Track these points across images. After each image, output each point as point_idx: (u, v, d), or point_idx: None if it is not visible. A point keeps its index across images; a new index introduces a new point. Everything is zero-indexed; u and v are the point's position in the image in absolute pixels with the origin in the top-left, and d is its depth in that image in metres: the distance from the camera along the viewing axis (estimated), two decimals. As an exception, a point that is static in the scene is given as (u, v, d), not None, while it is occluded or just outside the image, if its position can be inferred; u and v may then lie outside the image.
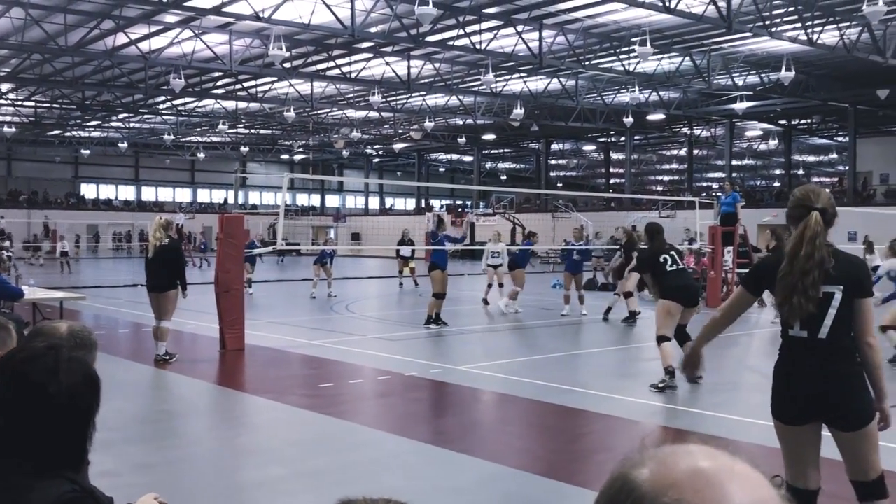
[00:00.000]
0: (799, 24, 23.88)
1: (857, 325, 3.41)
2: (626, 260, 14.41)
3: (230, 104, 39.71)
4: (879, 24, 23.52)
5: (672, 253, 8.46)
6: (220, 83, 35.35)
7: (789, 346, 3.46)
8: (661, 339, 8.15)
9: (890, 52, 25.44)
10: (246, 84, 35.30)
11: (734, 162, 48.85)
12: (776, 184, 59.23)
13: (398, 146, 54.35)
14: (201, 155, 55.34)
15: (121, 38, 26.08)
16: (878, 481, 3.44)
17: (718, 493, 0.73)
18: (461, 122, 44.91)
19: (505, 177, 69.70)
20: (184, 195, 63.58)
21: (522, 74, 32.65)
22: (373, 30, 24.37)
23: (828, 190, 3.75)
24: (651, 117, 39.64)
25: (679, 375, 7.51)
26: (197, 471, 5.78)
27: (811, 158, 57.52)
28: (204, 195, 64.43)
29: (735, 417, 6.95)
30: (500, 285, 16.72)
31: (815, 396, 3.36)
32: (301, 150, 56.95)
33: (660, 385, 8.05)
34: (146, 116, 44.50)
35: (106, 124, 47.64)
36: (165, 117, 44.04)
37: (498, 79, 31.43)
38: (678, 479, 0.75)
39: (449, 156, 65.09)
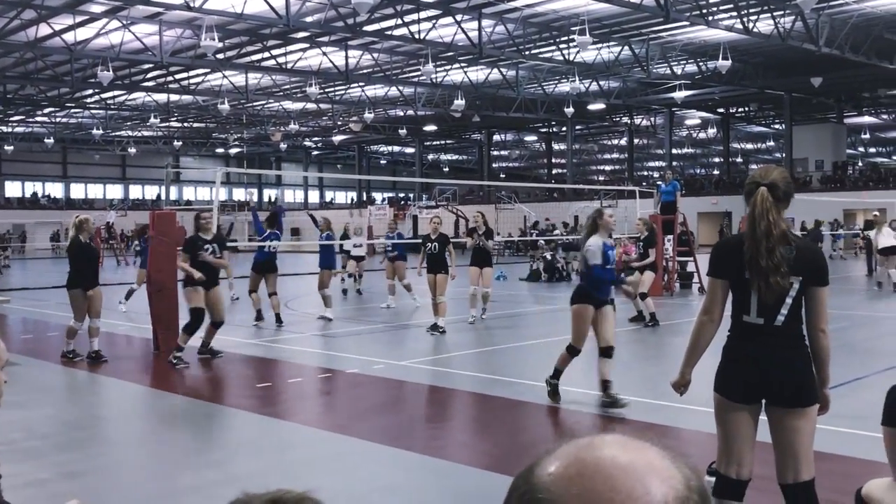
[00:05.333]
0: (735, 13, 24.09)
1: (812, 313, 3.39)
2: (644, 255, 12.87)
3: (161, 97, 38.56)
4: (812, 12, 23.86)
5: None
6: (150, 75, 34.25)
7: (743, 330, 3.42)
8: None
9: (823, 40, 25.84)
10: (178, 76, 34.29)
11: (674, 150, 49.48)
12: (716, 172, 60.29)
13: (337, 138, 53.61)
14: (132, 150, 53.79)
15: (44, 29, 24.98)
16: (810, 485, 3.36)
17: (606, 482, 0.71)
18: (402, 114, 44.47)
19: (447, 168, 69.48)
20: (115, 192, 61.81)
21: (463, 64, 32.35)
22: (308, 19, 23.78)
23: (781, 168, 3.67)
24: (591, 107, 39.79)
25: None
26: (128, 477, 5.56)
27: (749, 146, 58.68)
28: (136, 191, 62.75)
29: (678, 405, 6.80)
30: (360, 276, 16.43)
31: (764, 375, 3.36)
32: (236, 143, 55.81)
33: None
34: (73, 110, 43.02)
35: (30, 119, 45.90)
36: (94, 111, 42.61)
37: (438, 69, 31.07)
38: (572, 477, 0.73)
39: (390, 148, 64.58)
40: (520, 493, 0.76)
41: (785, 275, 3.27)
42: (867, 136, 51.39)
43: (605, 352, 7.01)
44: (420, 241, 12.62)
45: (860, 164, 54.05)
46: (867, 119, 47.18)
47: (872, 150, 59.76)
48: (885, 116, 47.11)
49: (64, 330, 10.14)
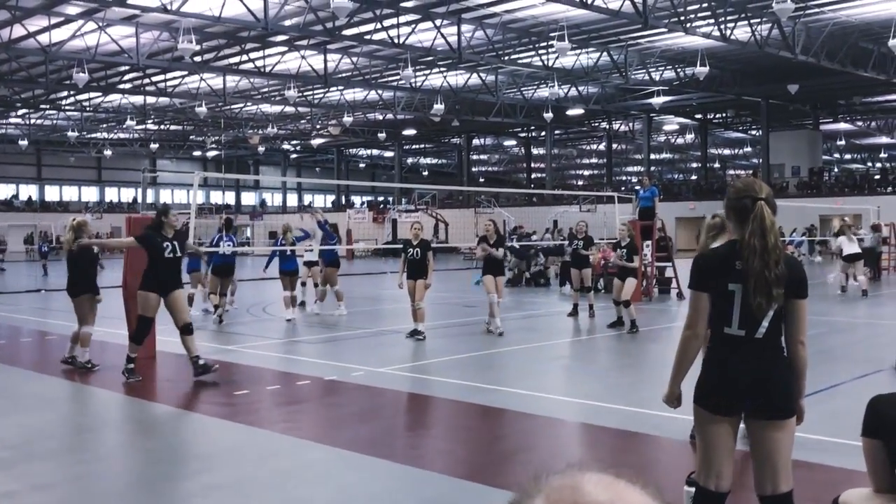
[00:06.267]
0: (712, 20, 24.25)
1: (792, 325, 3.39)
2: (629, 261, 12.44)
3: (138, 99, 38.22)
4: (788, 20, 24.07)
5: None
6: (126, 77, 33.94)
7: (723, 341, 3.42)
8: None
9: (799, 48, 26.09)
10: (154, 78, 33.99)
11: (652, 156, 49.78)
12: (693, 177, 60.71)
13: (316, 142, 53.41)
14: (108, 152, 53.26)
15: (18, 30, 24.65)
16: (788, 497, 3.37)
17: None
18: (381, 118, 44.38)
19: (426, 173, 69.45)
20: (90, 194, 61.14)
21: (442, 69, 32.35)
22: (287, 23, 23.65)
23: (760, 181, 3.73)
24: (570, 112, 39.92)
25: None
26: (102, 488, 5.43)
27: (726, 152, 59.17)
28: (112, 194, 62.10)
29: (659, 413, 6.79)
30: (315, 285, 15.57)
31: (745, 387, 3.36)
32: (214, 146, 55.41)
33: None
34: (48, 112, 42.52)
35: (4, 120, 45.31)
36: (69, 113, 42.12)
37: (417, 73, 31.05)
38: None
39: (369, 151, 64.44)
40: None
41: (781, 287, 3.30)
42: (842, 142, 52.01)
43: None
44: (401, 246, 12.40)
45: (836, 170, 54.68)
46: (843, 126, 47.75)
47: (848, 156, 60.48)
48: (860, 123, 47.69)
49: (70, 336, 9.79)
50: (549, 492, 0.78)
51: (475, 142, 56.89)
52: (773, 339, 3.39)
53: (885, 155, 57.31)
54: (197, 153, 60.14)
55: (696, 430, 3.53)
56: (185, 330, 8.95)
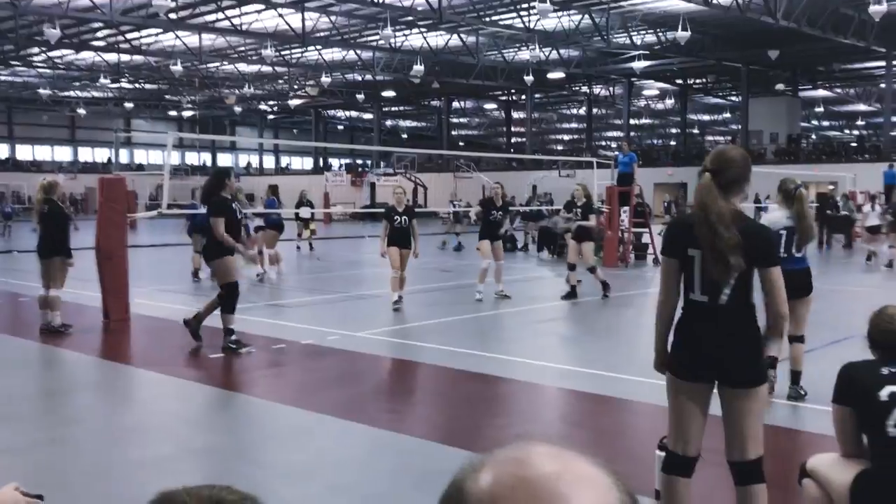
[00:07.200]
0: (696, -17, 24.08)
1: (767, 296, 3.40)
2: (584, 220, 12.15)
3: (112, 57, 37.46)
4: (771, -16, 23.95)
5: None
6: (100, 34, 33.23)
7: (689, 307, 3.47)
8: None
9: (780, 13, 26.00)
10: (129, 35, 33.30)
11: (632, 121, 49.69)
12: (672, 143, 60.78)
13: (294, 102, 52.76)
14: (82, 111, 52.30)
15: (-15, -17, 23.99)
16: (757, 463, 3.42)
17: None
18: (360, 79, 43.89)
19: (406, 135, 68.92)
20: (64, 154, 60.17)
21: (422, 29, 31.94)
22: (264, -21, 23.19)
23: (735, 151, 3.63)
24: (551, 75, 39.66)
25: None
26: (75, 452, 5.38)
27: (706, 118, 59.19)
28: (86, 154, 61.14)
29: (634, 378, 6.90)
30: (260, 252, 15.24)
31: (714, 355, 3.39)
32: (190, 106, 54.59)
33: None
34: (19, 69, 41.58)
35: (-27, 77, 44.34)
36: (41, 70, 41.21)
37: (397, 33, 30.64)
38: (499, 493, 0.73)
39: (348, 113, 63.80)
40: (450, 498, 0.76)
41: (738, 256, 3.28)
42: (821, 109, 52.17)
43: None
44: (383, 211, 11.79)
45: (813, 137, 54.93)
46: (821, 93, 47.86)
47: (826, 123, 60.74)
48: (838, 90, 47.82)
49: (38, 301, 9.60)
50: (493, 465, 0.76)
51: (455, 105, 56.47)
52: (738, 307, 3.39)
53: (863, 122, 57.63)
54: (172, 113, 59.24)
55: (667, 395, 3.56)
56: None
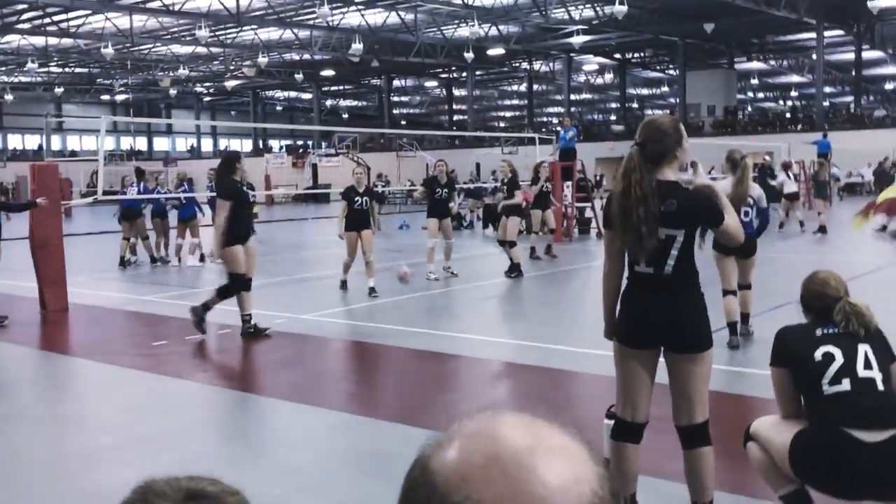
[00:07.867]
0: (632, -43, 24.25)
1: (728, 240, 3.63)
2: (509, 198, 12.18)
3: (39, 40, 36.20)
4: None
5: None
6: (25, 17, 32.04)
7: (635, 279, 3.52)
8: None
9: (715, -14, 26.38)
10: (56, 18, 32.20)
11: (572, 97, 50.00)
12: (613, 117, 61.43)
13: (230, 84, 51.77)
14: (9, 97, 50.50)
15: None
16: (703, 427, 3.48)
17: (514, 482, 0.66)
18: (298, 58, 43.23)
19: (347, 115, 68.27)
20: (-8, 142, 58.13)
21: (360, 7, 31.57)
22: (196, -43, 22.62)
23: (663, 119, 3.62)
24: (491, 52, 39.66)
25: None
26: (11, 445, 5.27)
27: (645, 91, 59.89)
28: (15, 141, 59.12)
29: (577, 349, 7.01)
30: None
31: (660, 322, 3.45)
32: (123, 89, 53.14)
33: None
34: (-61, 54, 39.94)
35: None
36: (-37, 55, 39.66)
37: (334, 11, 30.22)
38: (469, 471, 0.68)
39: (286, 94, 62.88)
40: (421, 495, 0.69)
41: (653, 230, 3.28)
42: (756, 81, 53.24)
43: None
44: (343, 192, 10.95)
45: (749, 109, 56.06)
46: (756, 65, 48.82)
47: (761, 95, 62.04)
48: (772, 62, 48.83)
49: None
50: (461, 441, 0.70)
51: (396, 83, 56.10)
52: (683, 276, 3.43)
53: (796, 93, 59.03)
54: (105, 97, 57.60)
55: (615, 363, 3.60)
56: (247, 285, 8.23)
